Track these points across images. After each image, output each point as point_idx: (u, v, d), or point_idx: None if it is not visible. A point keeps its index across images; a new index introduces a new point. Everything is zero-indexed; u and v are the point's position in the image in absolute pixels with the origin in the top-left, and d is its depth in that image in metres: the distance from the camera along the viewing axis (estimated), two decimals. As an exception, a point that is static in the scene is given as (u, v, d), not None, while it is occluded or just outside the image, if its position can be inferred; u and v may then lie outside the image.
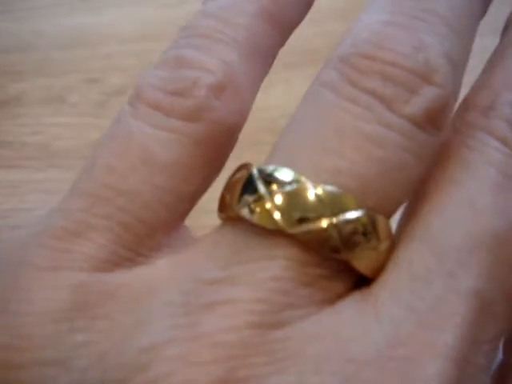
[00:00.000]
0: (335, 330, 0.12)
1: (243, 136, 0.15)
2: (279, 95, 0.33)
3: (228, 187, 0.13)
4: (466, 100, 0.14)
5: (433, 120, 0.13)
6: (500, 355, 0.14)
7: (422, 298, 0.12)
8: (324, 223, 0.12)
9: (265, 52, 0.15)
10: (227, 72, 0.14)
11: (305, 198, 0.12)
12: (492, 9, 0.15)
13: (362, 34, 0.13)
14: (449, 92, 0.13)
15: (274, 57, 0.16)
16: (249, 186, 0.12)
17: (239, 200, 0.12)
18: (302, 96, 0.14)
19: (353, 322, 0.12)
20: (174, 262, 0.13)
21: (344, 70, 0.13)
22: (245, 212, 0.12)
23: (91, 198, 0.13)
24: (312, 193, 0.12)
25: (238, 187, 0.12)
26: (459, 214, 0.13)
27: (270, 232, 0.12)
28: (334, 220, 0.12)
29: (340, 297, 0.12)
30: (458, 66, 0.13)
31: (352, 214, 0.12)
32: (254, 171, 0.12)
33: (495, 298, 0.12)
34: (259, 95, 0.15)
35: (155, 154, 0.13)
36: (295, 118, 0.13)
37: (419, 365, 0.11)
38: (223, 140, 0.14)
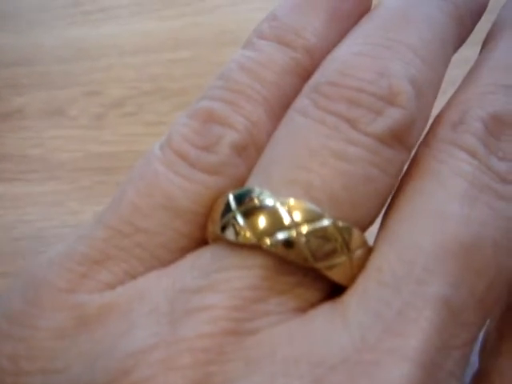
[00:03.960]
0: (305, 335, 0.12)
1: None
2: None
3: (210, 215, 0.14)
4: (438, 116, 0.15)
5: (398, 137, 0.13)
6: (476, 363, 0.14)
7: (389, 305, 0.12)
8: (293, 234, 0.13)
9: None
10: (252, 132, 0.15)
11: (278, 216, 0.13)
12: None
13: (332, 66, 0.14)
14: (413, 112, 0.13)
15: None
16: (226, 213, 0.13)
17: (220, 226, 0.13)
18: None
19: (322, 329, 0.12)
20: (162, 272, 0.14)
21: (314, 97, 0.14)
22: (225, 236, 0.13)
23: (113, 231, 0.14)
24: (284, 210, 0.13)
25: (217, 215, 0.14)
26: (427, 222, 0.13)
27: (249, 245, 0.13)
28: (303, 231, 0.13)
29: (313, 305, 0.13)
30: (424, 89, 0.14)
31: (319, 225, 0.13)
32: (231, 198, 0.13)
33: (464, 305, 0.12)
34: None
35: (177, 201, 0.14)
36: (272, 141, 0.14)
37: (385, 369, 0.12)
38: None
